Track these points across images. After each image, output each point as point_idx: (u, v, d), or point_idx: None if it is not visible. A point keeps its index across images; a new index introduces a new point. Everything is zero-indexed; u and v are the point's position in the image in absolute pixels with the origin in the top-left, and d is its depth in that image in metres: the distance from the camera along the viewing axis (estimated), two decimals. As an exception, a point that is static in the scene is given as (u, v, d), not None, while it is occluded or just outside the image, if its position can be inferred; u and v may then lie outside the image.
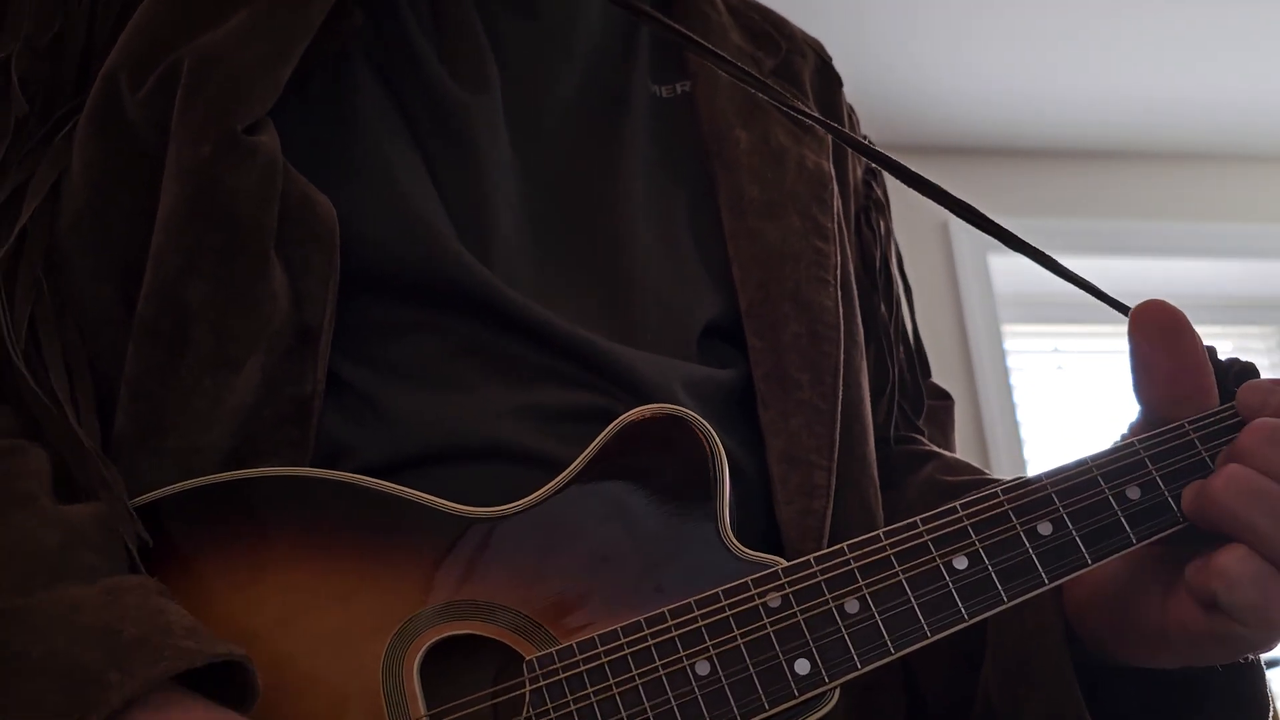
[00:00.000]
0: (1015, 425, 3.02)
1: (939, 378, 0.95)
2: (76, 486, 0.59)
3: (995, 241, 0.74)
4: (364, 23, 0.75)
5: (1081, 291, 0.72)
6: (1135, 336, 0.62)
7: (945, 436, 0.92)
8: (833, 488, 0.73)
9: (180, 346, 0.63)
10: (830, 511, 0.73)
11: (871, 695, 0.72)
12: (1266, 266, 3.36)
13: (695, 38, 0.76)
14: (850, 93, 0.95)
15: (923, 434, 0.89)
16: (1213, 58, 2.98)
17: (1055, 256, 0.73)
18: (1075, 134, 3.22)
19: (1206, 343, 0.64)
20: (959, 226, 3.01)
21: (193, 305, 0.63)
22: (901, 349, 0.90)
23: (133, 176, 0.66)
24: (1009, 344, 3.14)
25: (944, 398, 0.94)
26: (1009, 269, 3.12)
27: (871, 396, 0.83)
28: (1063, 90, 3.06)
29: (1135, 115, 3.17)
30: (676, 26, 0.76)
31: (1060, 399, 3.18)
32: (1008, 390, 3.04)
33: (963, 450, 0.93)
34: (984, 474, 0.83)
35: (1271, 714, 0.64)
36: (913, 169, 0.72)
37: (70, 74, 0.69)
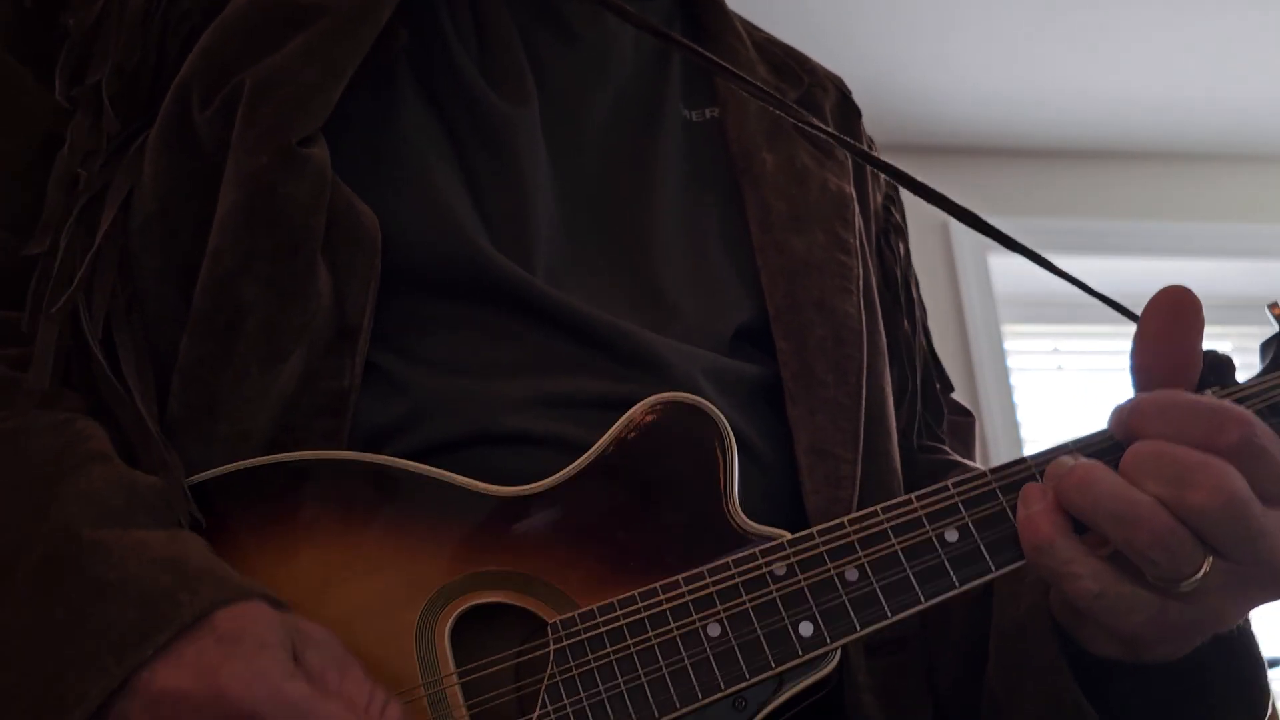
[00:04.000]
0: (1015, 425, 3.03)
1: (938, 378, 0.99)
2: (137, 465, 0.64)
3: (995, 242, 0.78)
4: (410, 41, 0.80)
5: (1081, 292, 0.77)
6: (1147, 312, 0.65)
7: (967, 449, 0.96)
8: (858, 479, 0.78)
9: (233, 337, 0.68)
10: (856, 501, 0.77)
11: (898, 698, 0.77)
12: (1266, 266, 3.37)
13: (722, 63, 0.82)
14: (853, 91, 1.00)
15: (945, 444, 0.94)
16: (1213, 58, 3.00)
17: (1054, 256, 0.77)
18: (1075, 134, 3.24)
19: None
20: (959, 227, 3.01)
21: (246, 300, 0.68)
22: (920, 362, 0.95)
23: (196, 185, 0.71)
24: (1009, 344, 3.15)
25: (965, 414, 0.99)
26: (1009, 269, 3.12)
27: (894, 403, 0.88)
28: (1062, 90, 3.08)
29: (1135, 115, 3.19)
30: (705, 52, 0.82)
31: (1060, 399, 3.19)
32: (1008, 390, 3.05)
33: (962, 450, 0.99)
34: None
35: (1270, 710, 0.67)
36: (916, 170, 0.77)
37: (145, 94, 0.75)
